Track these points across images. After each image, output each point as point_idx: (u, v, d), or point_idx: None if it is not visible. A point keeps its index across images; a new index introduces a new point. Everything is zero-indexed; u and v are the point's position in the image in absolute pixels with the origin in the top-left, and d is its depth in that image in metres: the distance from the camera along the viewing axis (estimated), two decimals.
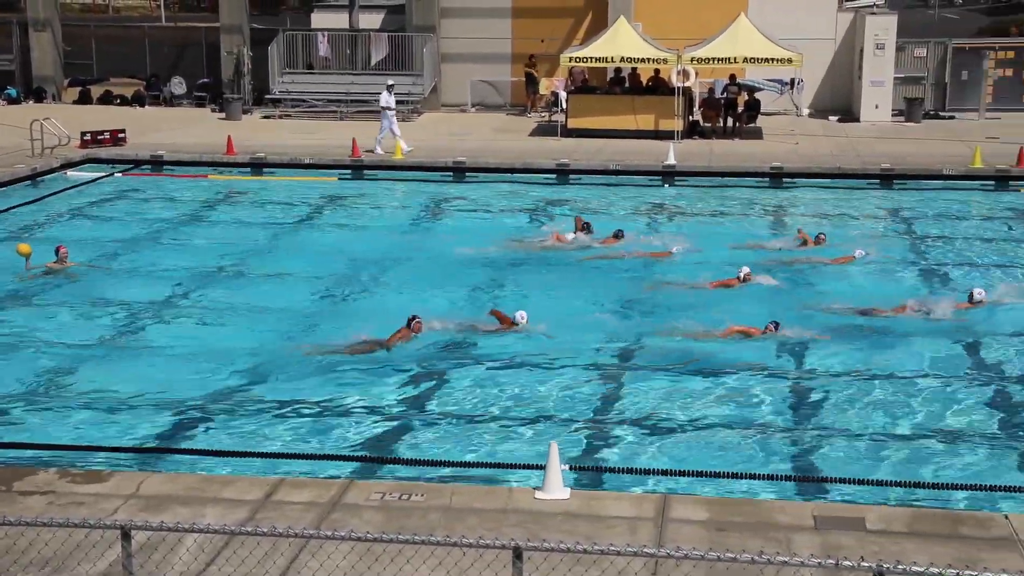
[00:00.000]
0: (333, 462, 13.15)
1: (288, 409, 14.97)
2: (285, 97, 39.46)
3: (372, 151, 31.96)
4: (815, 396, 15.55)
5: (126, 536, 8.20)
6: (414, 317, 17.38)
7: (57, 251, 21.31)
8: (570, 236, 23.46)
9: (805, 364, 16.77)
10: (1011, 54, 38.69)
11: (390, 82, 33.96)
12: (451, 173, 31.02)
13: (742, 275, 20.22)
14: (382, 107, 32.49)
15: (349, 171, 31.26)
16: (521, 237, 24.14)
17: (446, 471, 12.79)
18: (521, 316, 17.76)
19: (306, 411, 14.94)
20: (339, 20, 42.93)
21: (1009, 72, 38.58)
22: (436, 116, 39.07)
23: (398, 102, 38.49)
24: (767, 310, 18.38)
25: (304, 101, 39.33)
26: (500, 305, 18.70)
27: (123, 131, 33.36)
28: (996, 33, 48.28)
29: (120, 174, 30.95)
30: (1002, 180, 29.51)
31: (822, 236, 23.14)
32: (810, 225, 24.49)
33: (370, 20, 42.56)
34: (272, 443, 13.85)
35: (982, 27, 51.65)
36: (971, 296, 18.82)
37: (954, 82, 38.70)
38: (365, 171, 31.30)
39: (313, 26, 42.58)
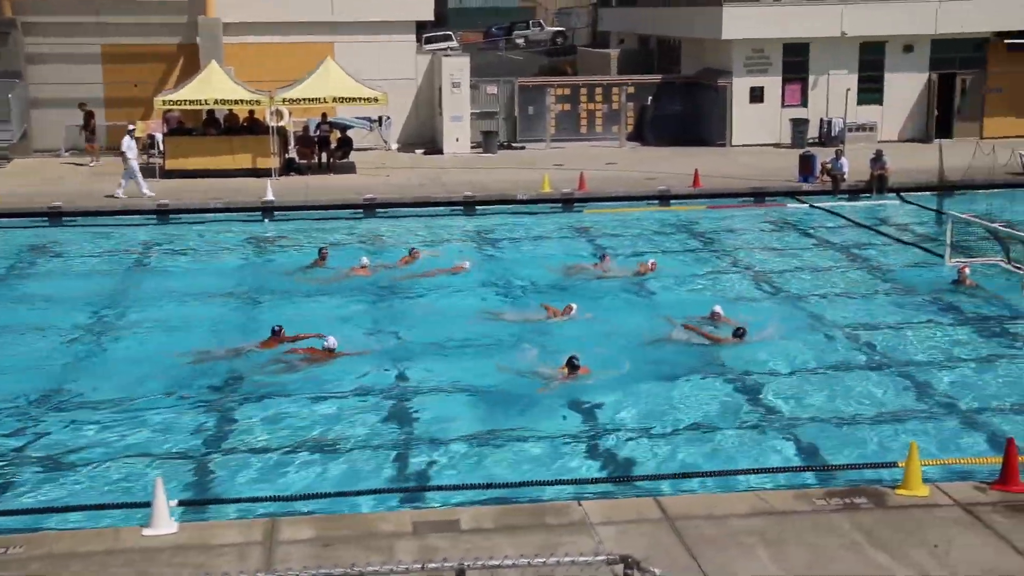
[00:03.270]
0: None
1: None
2: None
3: (114, 196, 30.00)
4: (412, 409, 15.77)
5: None
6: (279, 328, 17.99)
7: None
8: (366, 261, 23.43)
9: (403, 378, 17.02)
10: (567, 91, 41.15)
11: (131, 127, 31.67)
12: (47, 218, 29.21)
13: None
14: (123, 152, 30.32)
15: None
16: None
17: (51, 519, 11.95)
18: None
19: None
20: None
21: (567, 107, 41.01)
22: (28, 162, 36.44)
23: None
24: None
25: None
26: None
27: None
28: (553, 72, 51.34)
29: None
30: (567, 203, 31.32)
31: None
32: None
33: None
34: None
35: (542, 66, 54.77)
36: (713, 314, 18.97)
37: (522, 116, 40.65)
38: None
39: None
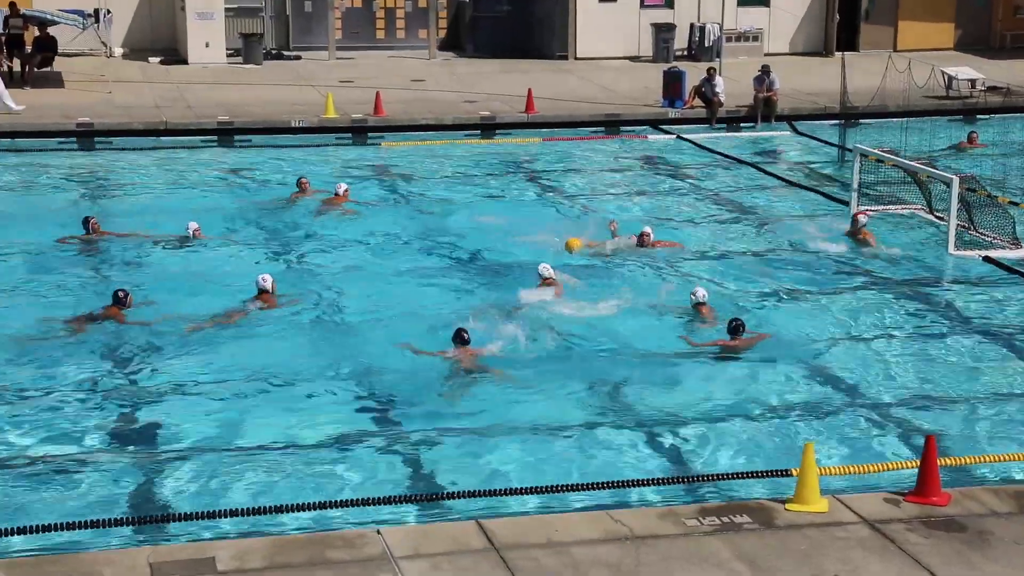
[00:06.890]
0: None
1: None
2: None
3: None
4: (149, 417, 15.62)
5: None
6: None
7: None
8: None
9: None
10: None
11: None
12: None
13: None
14: None
15: None
16: None
17: None
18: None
19: None
20: None
21: (358, 2, 40.77)
22: None
23: None
24: None
25: None
26: None
27: None
28: None
29: None
30: (359, 132, 31.24)
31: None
32: None
33: None
34: None
35: None
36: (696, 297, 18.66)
37: (297, 14, 40.32)
38: None
39: None
